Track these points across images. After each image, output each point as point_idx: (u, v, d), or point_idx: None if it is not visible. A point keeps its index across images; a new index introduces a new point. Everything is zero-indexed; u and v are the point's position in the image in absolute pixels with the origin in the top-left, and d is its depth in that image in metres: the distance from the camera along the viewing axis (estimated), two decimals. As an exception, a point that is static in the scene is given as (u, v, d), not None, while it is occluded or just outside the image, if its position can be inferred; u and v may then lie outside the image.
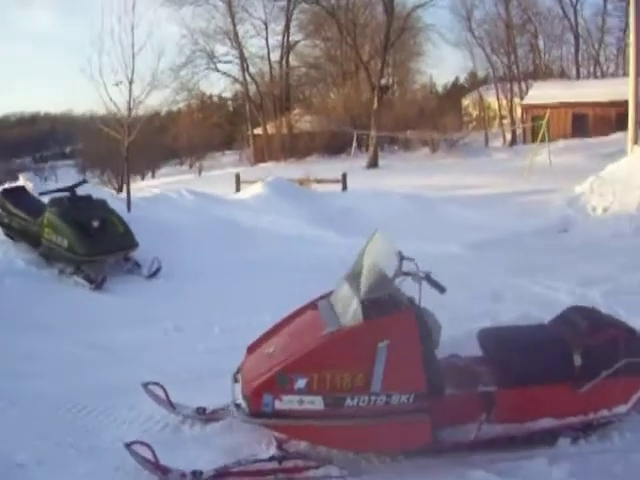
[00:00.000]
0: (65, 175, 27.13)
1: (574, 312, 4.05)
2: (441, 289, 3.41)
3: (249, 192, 12.61)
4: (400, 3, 30.08)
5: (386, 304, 3.37)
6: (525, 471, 3.43)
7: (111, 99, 10.11)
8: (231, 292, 7.32)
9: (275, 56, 39.81)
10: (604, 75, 37.60)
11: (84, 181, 9.29)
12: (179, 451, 3.67)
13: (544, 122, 19.62)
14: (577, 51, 37.91)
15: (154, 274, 7.90)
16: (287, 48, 39.58)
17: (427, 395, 3.30)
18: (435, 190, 14.28)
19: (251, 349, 3.82)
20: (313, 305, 3.87)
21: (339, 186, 15.19)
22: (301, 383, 3.23)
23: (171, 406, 4.10)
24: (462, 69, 66.90)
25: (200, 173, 30.95)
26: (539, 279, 7.31)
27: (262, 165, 31.17)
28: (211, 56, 38.26)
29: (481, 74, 41.29)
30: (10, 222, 8.37)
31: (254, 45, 64.72)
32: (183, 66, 36.63)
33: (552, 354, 3.64)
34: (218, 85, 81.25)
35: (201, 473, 3.37)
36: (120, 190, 20.24)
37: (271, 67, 39.37)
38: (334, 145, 32.22)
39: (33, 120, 48.36)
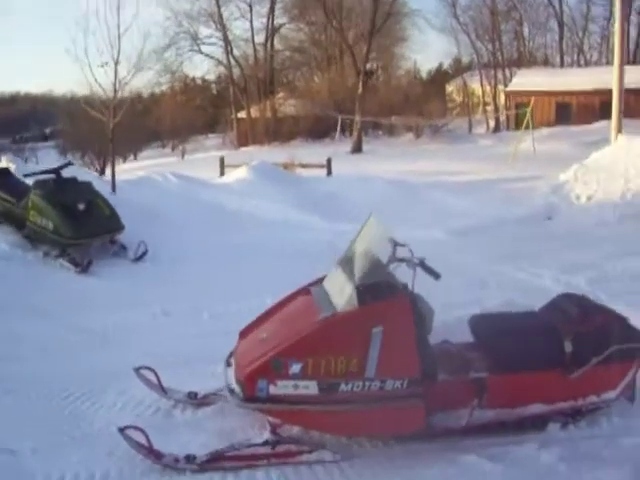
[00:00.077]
0: (45, 157, 26.75)
1: (564, 299, 4.09)
2: (436, 275, 3.42)
3: (234, 176, 12.56)
4: (386, -13, 29.88)
5: (381, 290, 3.37)
6: (514, 455, 3.47)
7: (96, 80, 9.97)
8: (218, 276, 7.31)
9: (259, 39, 39.58)
10: (588, 63, 37.82)
11: (69, 163, 9.18)
12: (171, 435, 3.67)
13: (529, 110, 19.69)
14: (561, 39, 38.06)
15: (140, 257, 7.86)
16: (272, 31, 39.28)
17: (421, 381, 3.32)
18: (419, 176, 14.30)
19: (243, 334, 3.81)
20: (306, 290, 3.87)
21: (324, 171, 15.16)
22: (296, 368, 3.23)
23: (163, 391, 4.08)
24: (446, 55, 67.18)
25: (183, 156, 30.63)
26: (523, 266, 7.38)
27: (245, 149, 30.97)
28: (195, 38, 37.93)
29: (465, 60, 41.42)
30: (-7, 204, 8.26)
31: (238, 27, 64.36)
32: (167, 48, 36.25)
33: (543, 341, 3.67)
34: (201, 67, 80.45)
35: (194, 457, 3.38)
36: (102, 172, 20.02)
37: (255, 50, 39.08)
38: (318, 129, 32.09)
39: (13, 100, 47.54)
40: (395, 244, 3.62)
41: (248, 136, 34.32)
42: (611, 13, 34.37)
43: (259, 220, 9.99)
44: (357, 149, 26.21)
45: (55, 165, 8.42)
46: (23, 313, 6.03)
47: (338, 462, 3.41)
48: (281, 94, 37.67)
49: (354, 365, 3.25)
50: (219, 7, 36.39)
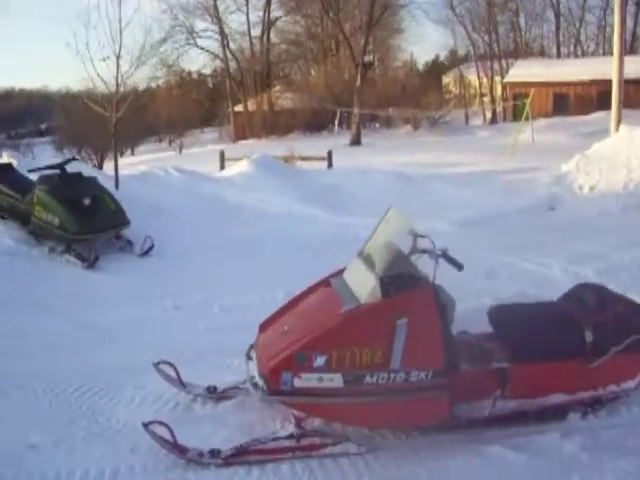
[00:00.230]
0: (42, 152, 26.64)
1: (582, 289, 4.09)
2: (459, 266, 3.42)
3: (235, 170, 12.52)
4: (383, -21, 29.78)
5: (404, 281, 3.36)
6: (537, 446, 3.47)
7: (99, 75, 9.91)
8: (225, 270, 7.30)
9: (256, 32, 39.44)
10: (585, 54, 37.80)
11: (73, 158, 9.15)
12: (192, 430, 3.64)
13: (528, 100, 19.68)
14: (558, 29, 38.03)
15: (147, 252, 7.82)
16: (268, 24, 39.17)
17: (445, 372, 3.32)
18: (419, 167, 14.28)
19: (263, 327, 3.79)
20: (326, 282, 3.85)
21: (324, 164, 15.13)
22: (320, 361, 3.22)
23: (182, 385, 4.07)
24: (443, 47, 67.10)
25: (181, 151, 30.57)
26: (530, 257, 7.38)
27: (243, 142, 30.91)
28: (191, 32, 37.81)
29: (462, 52, 41.38)
30: (-2, 200, 8.21)
31: (234, 21, 64.10)
32: (163, 42, 35.97)
33: (564, 331, 3.68)
34: (197, 61, 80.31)
35: (219, 452, 3.37)
36: (100, 167, 19.94)
37: (252, 43, 38.92)
38: (315, 123, 32.03)
39: (8, 96, 47.31)
40: (416, 235, 3.61)
41: (245, 129, 34.24)
42: (607, 3, 34.39)
43: (262, 213, 9.97)
44: (356, 142, 26.16)
45: (52, 161, 8.38)
46: (29, 309, 5.98)
47: (362, 454, 3.40)
48: (278, 87, 37.60)
49: (379, 357, 3.24)
50: (215, 0, 36.26)
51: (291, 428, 3.48)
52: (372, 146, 24.38)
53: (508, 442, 3.47)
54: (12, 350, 5.01)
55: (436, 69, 44.30)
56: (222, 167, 15.22)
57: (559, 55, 37.88)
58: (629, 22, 33.47)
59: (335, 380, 3.24)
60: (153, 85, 38.33)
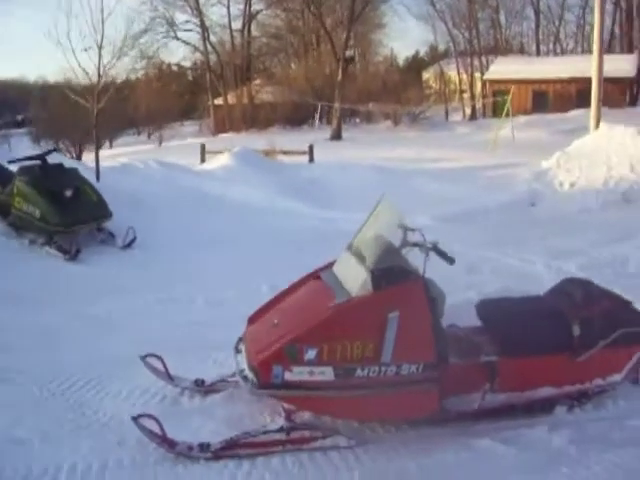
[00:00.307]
0: (19, 144, 26.19)
1: (569, 284, 4.12)
2: (450, 260, 3.42)
3: (216, 163, 12.46)
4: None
5: (394, 274, 3.36)
6: (526, 439, 3.50)
7: (80, 65, 9.78)
8: (208, 263, 7.29)
9: (236, 25, 39.10)
10: (564, 52, 38.12)
11: (54, 149, 9.03)
12: (180, 423, 3.61)
13: (509, 97, 19.81)
14: (537, 27, 38.27)
15: (129, 245, 7.76)
16: (249, 17, 38.86)
17: (436, 365, 3.33)
18: (400, 162, 14.29)
19: (252, 320, 3.77)
20: (315, 276, 3.83)
21: (305, 158, 15.08)
22: (311, 354, 3.21)
23: (169, 378, 4.03)
24: (422, 43, 67.26)
25: (160, 143, 30.32)
26: (512, 252, 7.45)
27: (223, 135, 30.75)
28: (171, 24, 37.34)
29: (442, 48, 41.47)
30: (-24, 191, 8.07)
31: (215, 13, 64.00)
32: (142, 33, 35.60)
33: (552, 325, 3.70)
34: (177, 54, 79.47)
35: (209, 445, 3.34)
36: (79, 159, 19.70)
37: (232, 36, 38.63)
38: (296, 117, 31.92)
39: (-18, 87, 46.44)
40: (406, 229, 3.61)
41: (225, 123, 34.03)
42: (586, 1, 34.68)
43: (243, 207, 9.92)
44: (336, 136, 26.12)
45: (29, 152, 8.27)
46: (12, 301, 5.90)
47: (353, 448, 3.40)
48: (258, 81, 37.41)
49: (370, 350, 3.24)
50: (195, -8, 35.93)
51: (281, 421, 3.46)
52: (353, 141, 24.37)
53: (497, 435, 3.49)
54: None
55: (416, 65, 44.37)
56: (203, 160, 15.11)
57: (539, 53, 38.15)
58: (607, 21, 33.79)
59: (326, 373, 3.23)
60: (132, 77, 37.96)
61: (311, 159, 15.03)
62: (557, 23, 38.67)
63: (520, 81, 27.88)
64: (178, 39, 38.09)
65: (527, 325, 3.70)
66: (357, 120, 32.90)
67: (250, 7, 38.77)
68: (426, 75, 40.56)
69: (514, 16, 39.13)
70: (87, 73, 9.89)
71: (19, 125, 35.44)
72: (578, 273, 6.25)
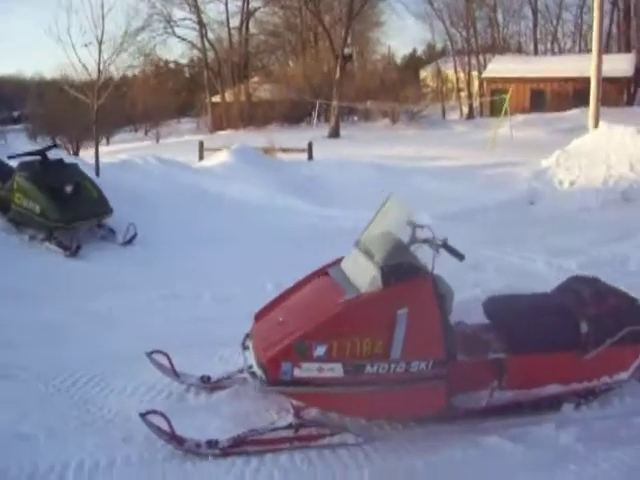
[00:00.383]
0: (15, 140, 26.08)
1: (576, 281, 4.12)
2: (460, 256, 3.41)
3: (214, 160, 12.42)
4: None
5: (404, 271, 3.34)
6: (534, 436, 3.49)
7: (80, 60, 9.74)
8: (208, 260, 7.28)
9: (234, 22, 38.97)
10: (561, 51, 38.11)
11: (54, 145, 9.01)
12: (186, 420, 3.58)
13: (507, 96, 19.80)
14: (535, 26, 38.23)
15: (130, 241, 7.73)
16: (247, 15, 38.73)
17: (446, 362, 3.31)
18: (399, 161, 14.24)
19: (259, 316, 3.75)
20: (323, 272, 3.82)
21: (304, 155, 15.04)
22: (320, 351, 3.19)
23: (175, 375, 4.02)
24: (420, 41, 67.26)
25: (158, 140, 30.22)
26: (513, 250, 7.45)
27: (221, 133, 30.63)
28: (168, 20, 37.19)
29: (439, 46, 41.45)
30: (-24, 186, 8.03)
31: (213, 10, 63.80)
32: (140, 30, 35.43)
33: (560, 322, 3.69)
34: (175, 51, 79.41)
35: (217, 442, 3.32)
36: (76, 155, 19.64)
37: (230, 34, 38.52)
38: (294, 114, 31.84)
39: (-21, 82, 46.25)
40: (415, 225, 3.60)
41: (223, 120, 33.93)
42: (584, 1, 34.72)
43: (243, 204, 9.89)
44: (335, 134, 26.04)
45: (26, 148, 8.24)
46: (12, 296, 5.87)
47: (361, 445, 3.39)
48: (256, 78, 37.31)
49: (379, 347, 3.22)
50: (193, -12, 35.82)
51: (289, 418, 3.45)
52: (351, 139, 24.32)
53: (505, 433, 3.48)
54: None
55: (414, 63, 44.35)
56: (201, 157, 15.07)
57: (536, 52, 38.12)
58: (605, 21, 33.84)
59: (335, 370, 3.22)
60: (129, 74, 37.83)
61: (310, 157, 14.99)
62: (555, 22, 38.66)
63: (518, 80, 27.85)
64: (176, 36, 38.01)
65: (535, 322, 3.69)
66: (355, 118, 32.80)
67: (248, 4, 38.63)
68: (423, 73, 40.55)
69: (512, 15, 39.10)
70: (87, 69, 9.82)
71: (16, 121, 35.28)
72: (579, 271, 6.24)
